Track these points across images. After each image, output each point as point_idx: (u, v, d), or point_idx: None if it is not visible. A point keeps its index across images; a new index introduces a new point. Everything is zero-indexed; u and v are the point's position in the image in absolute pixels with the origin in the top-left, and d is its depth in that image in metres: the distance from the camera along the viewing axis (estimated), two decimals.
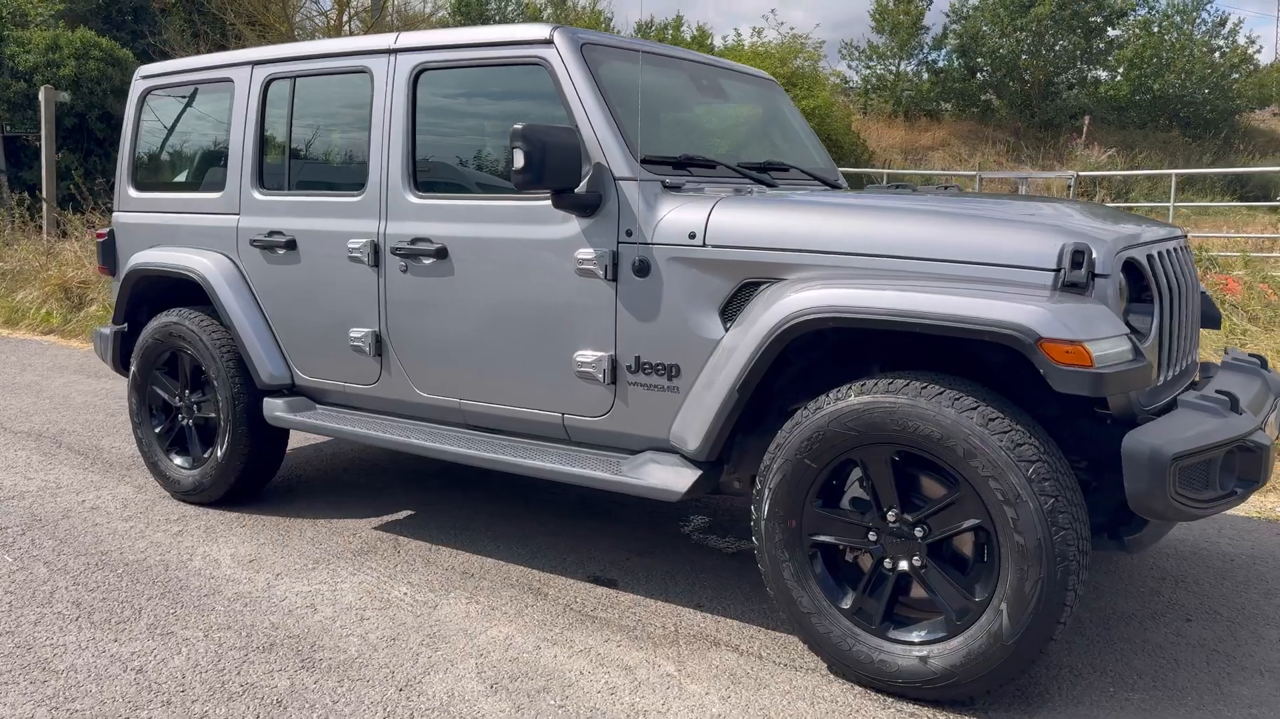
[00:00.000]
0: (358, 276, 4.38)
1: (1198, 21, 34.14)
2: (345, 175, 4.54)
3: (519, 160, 3.54)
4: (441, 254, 4.11)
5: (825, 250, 3.32)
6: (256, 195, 4.74)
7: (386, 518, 4.88)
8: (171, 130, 5.30)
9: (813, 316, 3.16)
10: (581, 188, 3.68)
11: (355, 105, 4.48)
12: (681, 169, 3.89)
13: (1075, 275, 2.96)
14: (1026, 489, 2.87)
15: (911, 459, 3.13)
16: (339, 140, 4.66)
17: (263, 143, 4.75)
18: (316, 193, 4.61)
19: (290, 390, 4.78)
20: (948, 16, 32.95)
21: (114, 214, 5.44)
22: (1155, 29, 33.51)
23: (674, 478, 3.57)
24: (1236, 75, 33.73)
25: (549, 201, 3.80)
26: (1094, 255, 2.99)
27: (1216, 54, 34.12)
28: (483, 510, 4.97)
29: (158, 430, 5.20)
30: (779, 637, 3.61)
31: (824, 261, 3.32)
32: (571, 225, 3.78)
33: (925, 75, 33.17)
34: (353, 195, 4.42)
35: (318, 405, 4.72)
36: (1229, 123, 33.79)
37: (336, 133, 4.66)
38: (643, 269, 3.63)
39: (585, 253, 3.73)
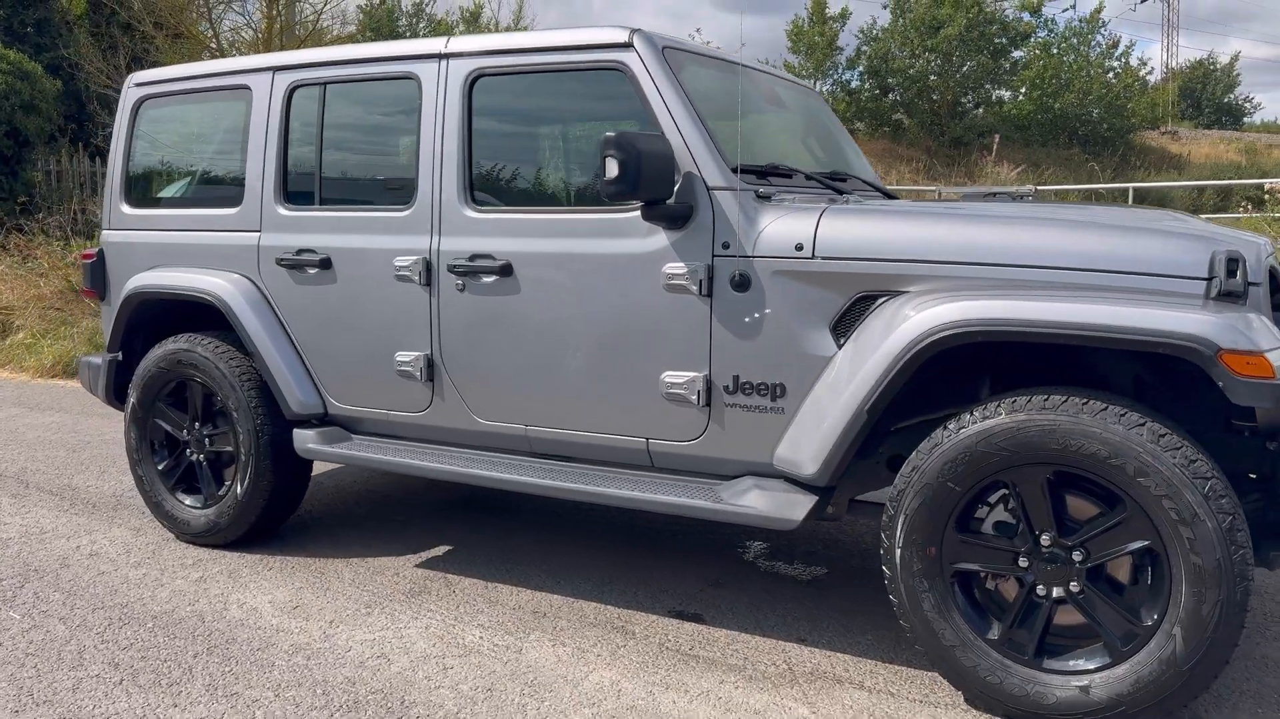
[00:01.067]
0: (406, 297, 4.07)
1: (1093, 43, 35.41)
2: (388, 189, 4.24)
3: (612, 170, 3.32)
4: (505, 271, 3.84)
5: (954, 261, 3.16)
6: (281, 211, 4.39)
7: (425, 554, 4.55)
8: (173, 141, 4.90)
9: (960, 330, 2.99)
10: (673, 198, 3.46)
11: (399, 114, 4.19)
12: (762, 178, 3.70)
13: (1232, 284, 2.85)
14: (1204, 508, 2.74)
15: (1063, 479, 2.97)
16: (379, 152, 4.36)
17: (287, 155, 4.40)
18: (354, 208, 4.30)
19: (322, 420, 4.42)
20: (859, 37, 33.50)
21: (103, 233, 5.01)
22: (1054, 50, 34.62)
23: (787, 505, 3.36)
24: (1129, 95, 35.04)
25: (629, 214, 3.58)
26: (1247, 263, 2.89)
27: (1110, 74, 35.41)
28: (525, 541, 4.68)
29: (161, 467, 4.78)
30: (901, 670, 3.42)
31: (952, 273, 3.16)
32: (658, 239, 3.56)
33: (839, 95, 33.65)
34: (398, 210, 4.11)
35: (354, 435, 4.38)
36: (1124, 141, 35.07)
37: (376, 144, 4.36)
38: (742, 284, 3.43)
39: (675, 268, 3.51)
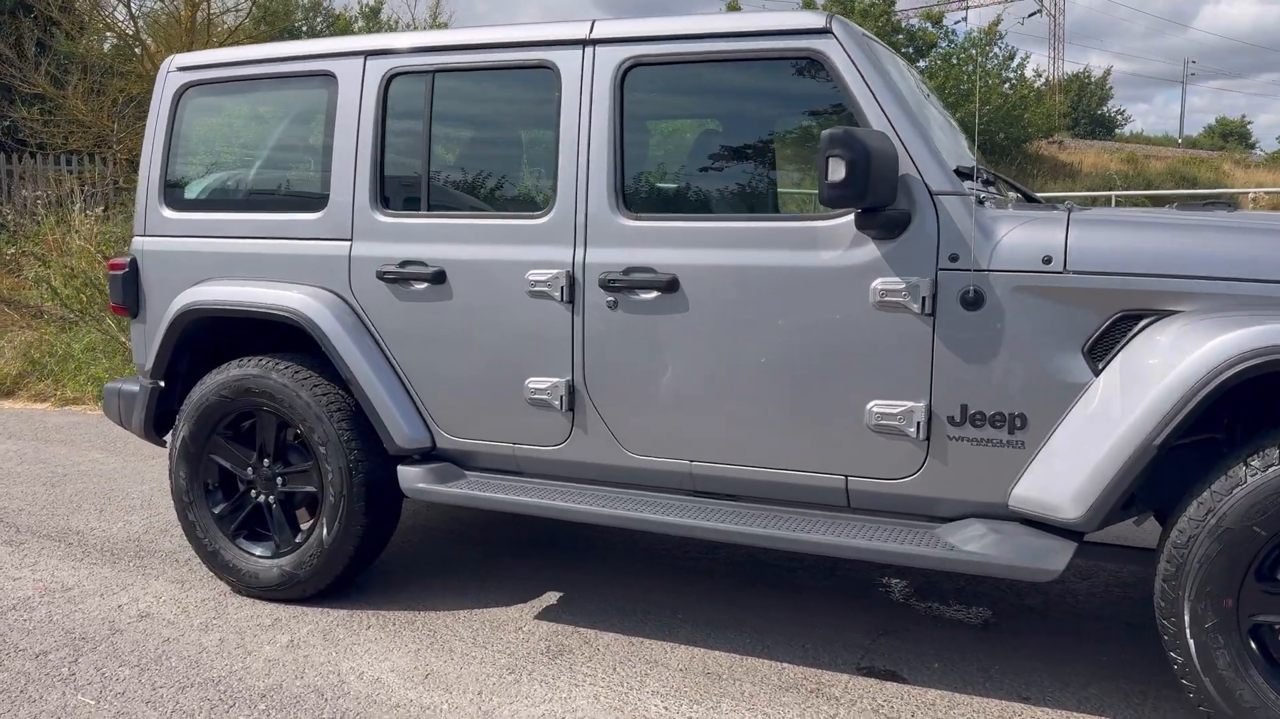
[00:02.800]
0: (542, 315, 3.57)
1: (990, 55, 36.32)
2: (517, 193, 3.74)
3: (837, 171, 2.91)
4: (670, 287, 3.38)
5: (1236, 278, 2.85)
6: (379, 218, 3.82)
7: (537, 602, 4.04)
8: (226, 135, 4.27)
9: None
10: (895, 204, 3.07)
11: (529, 108, 3.69)
12: (965, 179, 3.34)
13: None
14: None
15: None
16: (503, 151, 3.84)
17: (383, 153, 3.84)
18: (473, 214, 3.77)
19: (428, 455, 3.87)
20: None
21: (135, 240, 4.33)
22: (955, 61, 35.38)
23: (1042, 553, 2.98)
24: (1025, 106, 36.06)
25: (829, 222, 3.19)
26: None
27: (1007, 85, 36.39)
28: (638, 584, 4.21)
29: (217, 510, 4.14)
30: None
31: (1233, 290, 2.85)
32: (866, 250, 3.15)
33: None
34: (531, 217, 3.61)
35: (466, 472, 3.84)
36: (1021, 150, 36.11)
37: (499, 141, 3.84)
38: (975, 301, 3.05)
39: (890, 283, 3.12)
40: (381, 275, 3.78)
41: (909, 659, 3.55)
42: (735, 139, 3.59)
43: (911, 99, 3.27)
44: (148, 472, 6.15)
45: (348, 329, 3.83)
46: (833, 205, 3.03)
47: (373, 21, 33.64)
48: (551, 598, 4.09)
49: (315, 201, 3.97)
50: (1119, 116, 60.97)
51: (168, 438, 4.37)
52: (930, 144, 3.15)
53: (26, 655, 3.59)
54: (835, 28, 3.22)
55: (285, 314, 3.87)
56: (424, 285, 3.74)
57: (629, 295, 3.44)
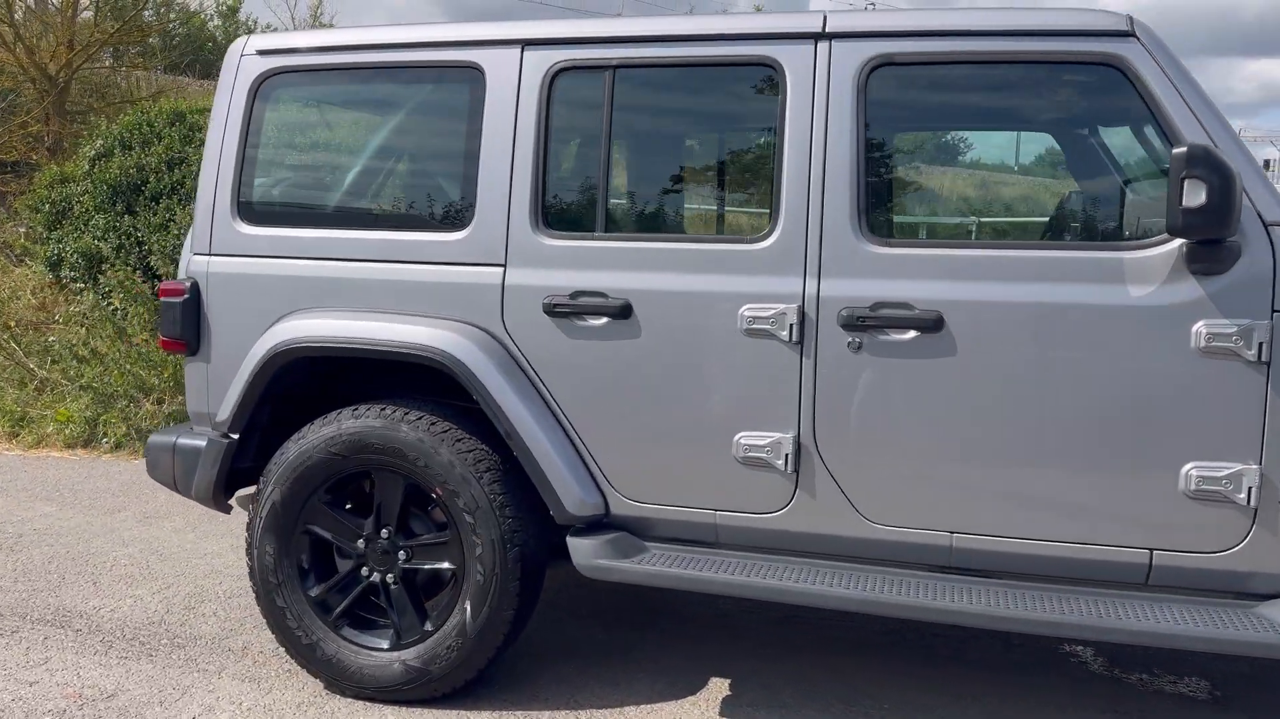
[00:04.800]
0: (761, 358, 3.01)
1: None
2: (722, 212, 3.14)
3: (1196, 195, 2.49)
4: (932, 326, 2.87)
5: None
6: (543, 240, 3.17)
7: (706, 695, 3.45)
8: (324, 135, 3.53)
9: None
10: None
11: (742, 111, 3.12)
12: None
13: None
14: None
15: None
16: (704, 162, 3.24)
17: (546, 162, 3.19)
18: (665, 237, 3.17)
19: (600, 524, 3.23)
20: None
21: (194, 259, 3.54)
22: None
23: None
24: None
25: (1145, 252, 2.77)
26: None
27: None
28: (826, 668, 3.66)
29: (314, 593, 3.38)
30: None
31: None
32: (1188, 287, 2.73)
33: None
34: (745, 241, 3.04)
35: (646, 543, 3.22)
36: None
37: (699, 151, 3.24)
38: None
39: (1218, 325, 2.71)
40: (550, 309, 3.13)
41: None
42: (1011, 154, 3.11)
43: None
44: (121, 529, 5.22)
45: (504, 373, 3.16)
46: (1188, 235, 2.59)
47: (230, 20, 31.81)
48: (720, 687, 3.50)
49: (453, 219, 3.30)
50: (960, 144, 63.71)
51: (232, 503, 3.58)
52: (1257, 166, 2.74)
53: None
54: (1138, 30, 2.79)
55: (426, 355, 3.17)
56: (603, 321, 3.11)
57: (877, 336, 2.91)
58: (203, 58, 27.85)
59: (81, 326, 7.96)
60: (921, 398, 2.91)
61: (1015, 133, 3.18)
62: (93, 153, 8.88)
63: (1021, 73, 2.94)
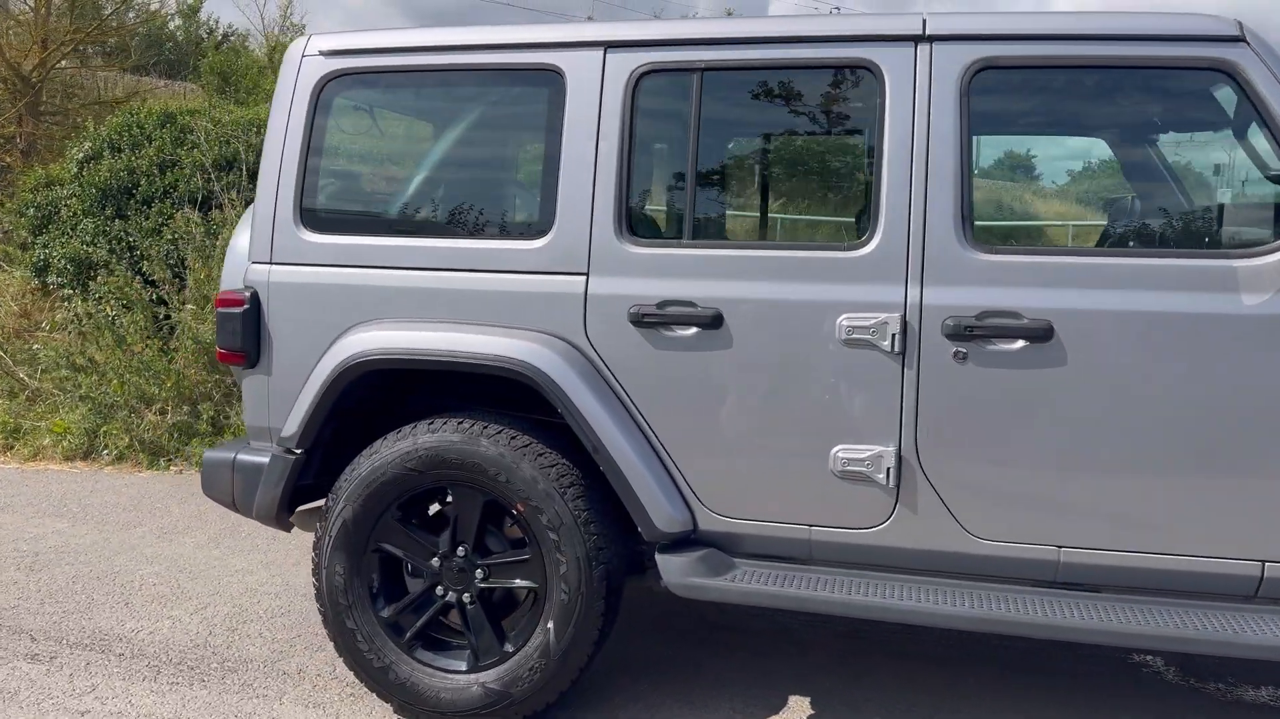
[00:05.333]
0: (860, 369, 2.93)
1: None
2: (817, 218, 3.06)
3: None
4: (1041, 335, 2.81)
5: None
6: (628, 248, 3.08)
7: (807, 715, 3.35)
8: (393, 140, 3.41)
9: None
10: None
11: (838, 116, 3.04)
12: None
13: None
14: None
15: None
16: (795, 167, 3.15)
17: (630, 168, 3.10)
18: (758, 245, 3.09)
19: (687, 541, 3.14)
20: None
21: (252, 269, 3.40)
22: None
23: None
24: None
25: (1257, 260, 2.73)
26: None
27: None
28: (902, 687, 3.59)
29: (386, 614, 3.26)
30: None
31: None
32: None
33: None
34: (841, 249, 2.96)
35: (735, 560, 3.13)
36: None
37: (790, 156, 3.15)
38: None
39: None
40: (637, 319, 3.03)
41: None
42: (1112, 158, 3.06)
43: None
44: (142, 545, 5.05)
45: (589, 385, 3.06)
46: None
47: (191, 21, 31.23)
48: (801, 706, 3.42)
49: (532, 226, 3.19)
50: None
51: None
52: None
53: None
54: (1248, 35, 2.75)
55: (510, 367, 3.06)
56: (692, 331, 3.02)
57: (984, 346, 2.85)
58: (164, 58, 27.36)
59: (75, 334, 7.71)
60: (1030, 409, 2.85)
61: (1119, 139, 3.14)
62: (81, 155, 8.63)
63: (1127, 78, 2.89)
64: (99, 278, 7.94)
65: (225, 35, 29.95)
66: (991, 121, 2.99)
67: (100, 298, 7.72)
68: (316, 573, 3.27)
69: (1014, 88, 2.97)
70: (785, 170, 3.24)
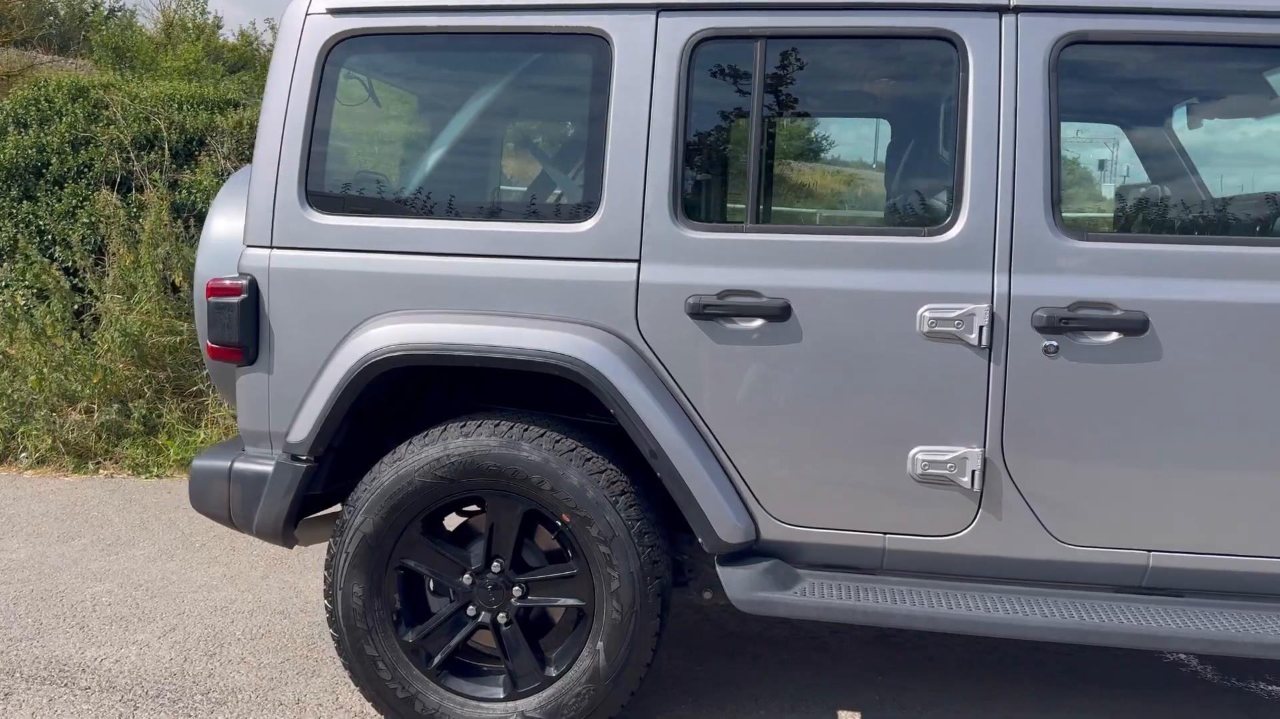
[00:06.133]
0: (943, 365, 2.72)
1: None
2: (892, 200, 2.85)
3: None
4: (1136, 328, 2.64)
5: None
6: (684, 232, 2.81)
7: None
8: (411, 111, 3.07)
9: None
10: None
11: (915, 90, 2.83)
12: None
13: None
14: None
15: None
16: (868, 145, 2.92)
17: (686, 144, 2.83)
18: (829, 229, 2.85)
19: (749, 551, 2.89)
20: None
21: (249, 254, 3.03)
22: None
23: None
24: None
25: None
26: None
27: None
28: (951, 697, 3.41)
29: (411, 639, 2.94)
30: None
31: None
32: None
33: None
34: (921, 234, 2.75)
35: (800, 571, 2.89)
36: None
37: (863, 132, 2.91)
38: None
39: None
40: (695, 311, 2.76)
41: None
42: (1211, 141, 2.89)
43: None
44: (85, 560, 4.59)
45: (645, 383, 2.79)
46: None
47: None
48: None
49: (575, 208, 2.90)
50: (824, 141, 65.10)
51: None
52: None
53: None
54: None
55: (559, 364, 2.77)
56: (757, 324, 2.77)
57: (1075, 339, 2.66)
58: (49, 33, 25.84)
59: None
60: (1123, 406, 2.68)
61: (1214, 120, 2.99)
62: None
63: (1226, 56, 2.73)
64: (4, 264, 7.32)
65: (112, 10, 28.44)
66: (1078, 99, 2.80)
67: (8, 285, 7.11)
68: (330, 595, 2.93)
69: (1104, 64, 2.78)
70: (857, 147, 3.02)
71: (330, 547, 2.95)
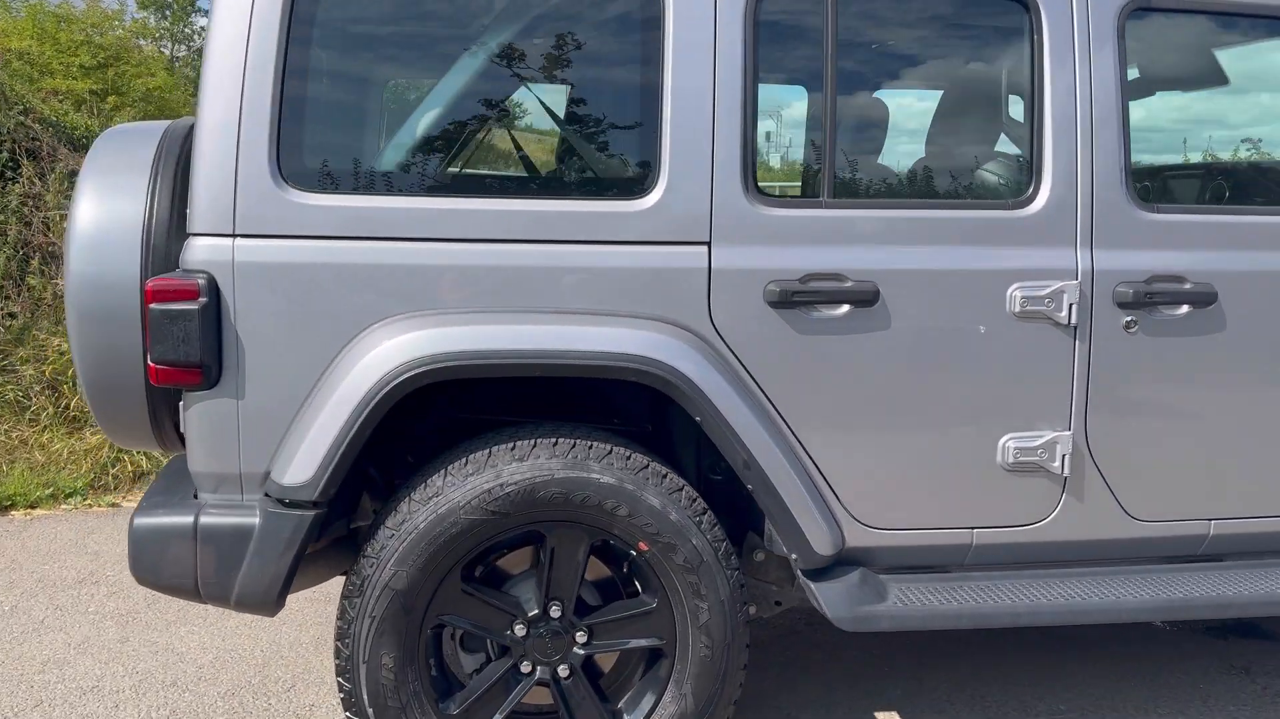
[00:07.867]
0: (1033, 346, 2.59)
1: None
2: (974, 171, 2.65)
3: None
4: (1204, 300, 2.63)
5: None
6: (760, 210, 2.47)
7: None
8: (419, 59, 2.49)
9: None
10: None
11: (989, 50, 2.63)
12: None
13: None
14: None
15: None
16: (953, 110, 2.68)
17: (756, 108, 2.48)
18: (912, 203, 2.63)
19: (838, 562, 2.62)
20: None
21: (200, 243, 2.34)
22: None
23: None
24: None
25: None
26: None
27: None
28: (970, 680, 3.31)
29: (453, 712, 2.44)
30: None
31: None
32: None
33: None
34: (1006, 206, 2.58)
35: (884, 578, 2.66)
36: None
37: (943, 99, 2.67)
38: None
39: None
40: (778, 299, 2.44)
41: None
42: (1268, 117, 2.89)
43: None
44: (30, 608, 3.57)
45: (733, 385, 2.43)
46: None
47: None
48: None
49: (629, 182, 2.47)
50: None
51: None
52: None
53: None
54: None
55: (634, 366, 2.35)
56: (843, 310, 2.49)
57: (1151, 314, 2.60)
58: None
59: None
60: (1192, 378, 2.66)
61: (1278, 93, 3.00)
62: None
63: None
64: None
65: None
66: (1141, 67, 2.72)
67: None
68: (349, 673, 2.35)
69: (1167, 33, 2.71)
70: (935, 112, 2.77)
71: (344, 611, 2.36)
